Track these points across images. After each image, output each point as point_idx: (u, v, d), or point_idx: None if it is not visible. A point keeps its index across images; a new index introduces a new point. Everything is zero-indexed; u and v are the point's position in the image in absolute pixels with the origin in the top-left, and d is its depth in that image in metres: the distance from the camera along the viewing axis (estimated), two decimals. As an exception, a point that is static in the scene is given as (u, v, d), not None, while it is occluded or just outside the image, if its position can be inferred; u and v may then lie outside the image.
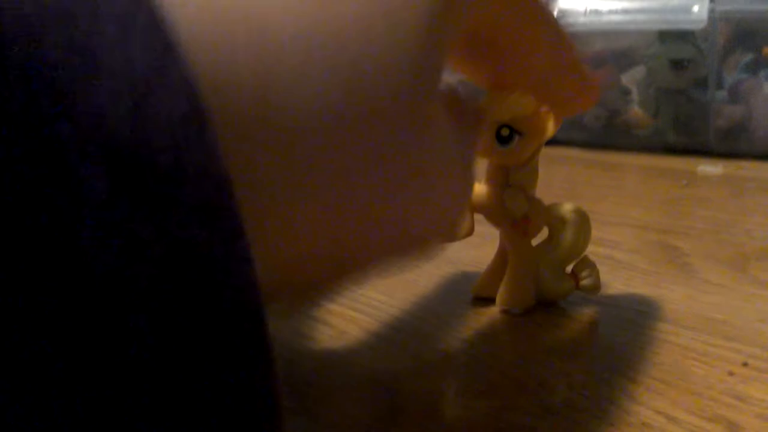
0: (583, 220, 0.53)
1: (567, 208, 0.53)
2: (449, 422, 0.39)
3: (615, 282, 0.58)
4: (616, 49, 1.19)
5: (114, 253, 0.17)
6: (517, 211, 0.50)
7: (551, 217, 0.52)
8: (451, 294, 0.56)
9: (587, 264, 0.53)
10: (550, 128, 0.50)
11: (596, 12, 1.12)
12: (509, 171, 0.50)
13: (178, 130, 0.19)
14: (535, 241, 0.52)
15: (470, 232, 0.52)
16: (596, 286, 0.53)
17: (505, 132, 0.49)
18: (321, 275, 0.29)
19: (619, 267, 0.61)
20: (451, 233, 0.38)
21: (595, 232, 0.66)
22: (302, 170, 0.24)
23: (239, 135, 0.22)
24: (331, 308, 0.54)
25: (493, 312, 0.52)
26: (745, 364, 0.44)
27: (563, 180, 1.00)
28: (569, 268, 0.53)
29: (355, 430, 0.38)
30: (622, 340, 0.48)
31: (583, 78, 0.44)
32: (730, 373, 0.43)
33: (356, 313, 0.53)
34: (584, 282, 0.53)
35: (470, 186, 0.36)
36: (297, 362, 0.46)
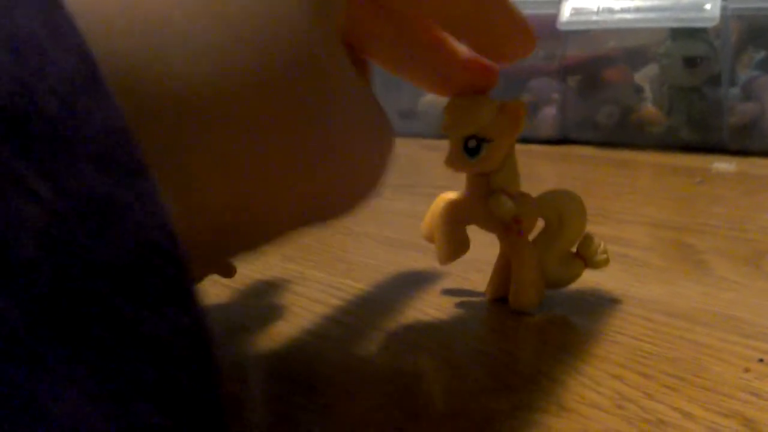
0: (576, 203, 0.52)
1: (558, 195, 0.52)
2: (464, 421, 0.39)
3: (629, 280, 0.58)
4: (629, 47, 1.19)
5: None
6: (505, 215, 0.50)
7: (543, 208, 0.52)
8: (466, 293, 0.56)
9: (591, 241, 0.53)
10: (518, 124, 0.49)
11: (609, 10, 1.12)
12: (488, 176, 0.50)
13: (67, 78, 0.19)
14: (531, 235, 0.52)
15: (466, 249, 0.52)
16: (606, 260, 0.53)
17: (472, 144, 0.49)
18: (232, 233, 0.29)
19: (634, 265, 0.61)
20: (375, 186, 0.37)
21: (609, 230, 0.66)
22: (195, 124, 0.24)
23: (127, 89, 0.22)
24: (345, 308, 0.54)
25: (506, 310, 0.52)
26: (761, 361, 0.44)
27: (576, 179, 1.00)
28: (573, 249, 0.53)
29: (371, 429, 0.38)
30: (636, 337, 0.48)
31: (512, 16, 0.43)
32: (746, 370, 0.43)
33: (370, 312, 0.53)
34: (595, 259, 0.53)
35: (388, 137, 0.36)
36: (312, 361, 0.46)
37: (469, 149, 0.49)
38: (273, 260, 0.64)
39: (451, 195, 0.52)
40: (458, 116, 0.48)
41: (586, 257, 0.53)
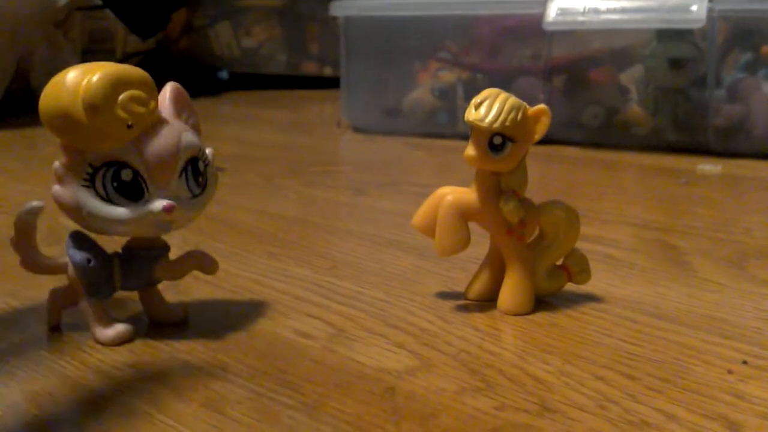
0: (572, 218, 0.53)
1: (557, 207, 0.53)
2: (448, 420, 0.39)
3: (614, 280, 0.58)
4: (615, 47, 1.19)
5: None
6: (513, 216, 0.50)
7: (543, 217, 0.52)
8: (450, 293, 0.56)
9: (577, 256, 0.54)
10: (540, 130, 0.50)
11: (595, 11, 1.12)
12: (500, 177, 0.50)
13: None
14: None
15: (467, 243, 0.52)
16: (588, 277, 0.54)
17: (497, 140, 0.49)
18: None
19: (619, 265, 0.61)
20: None
21: (594, 231, 0.66)
22: None
23: None
24: (330, 306, 0.54)
25: (491, 311, 0.52)
26: (744, 363, 0.44)
27: (562, 179, 1.00)
28: (559, 262, 0.54)
29: (354, 428, 0.38)
30: (621, 339, 0.48)
31: None
32: (730, 372, 0.43)
33: (355, 311, 0.53)
34: (577, 274, 0.54)
35: None
36: (296, 360, 0.46)
37: (494, 146, 0.49)
38: (256, 257, 0.64)
39: (454, 190, 0.52)
40: (492, 111, 0.48)
41: (570, 271, 0.54)
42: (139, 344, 0.48)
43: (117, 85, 0.44)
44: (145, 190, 0.46)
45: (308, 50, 2.07)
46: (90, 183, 0.45)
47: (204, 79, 2.11)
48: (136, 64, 0.49)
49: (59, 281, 0.50)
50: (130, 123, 0.44)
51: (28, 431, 0.38)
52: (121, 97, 0.44)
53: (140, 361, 0.46)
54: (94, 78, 0.43)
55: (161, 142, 0.46)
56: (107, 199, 0.46)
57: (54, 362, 0.46)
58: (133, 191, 0.46)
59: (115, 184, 0.45)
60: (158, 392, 0.42)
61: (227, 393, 0.42)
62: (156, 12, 2.03)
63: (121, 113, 0.44)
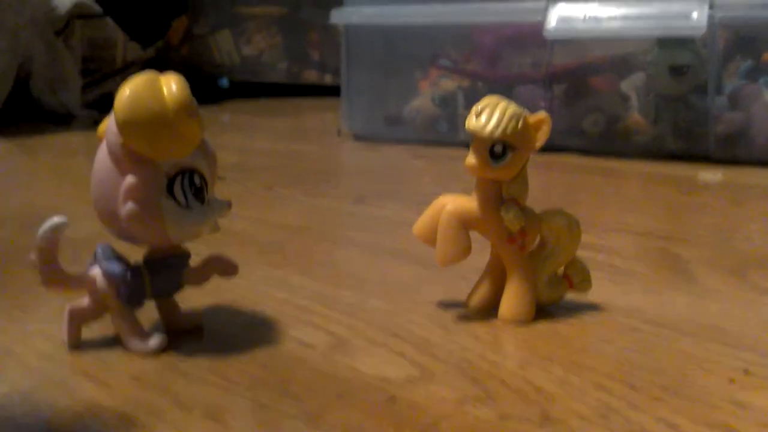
0: (573, 226, 0.53)
1: (558, 215, 0.53)
2: (449, 429, 0.38)
3: (615, 289, 0.58)
4: (616, 55, 1.19)
5: None
6: (514, 224, 0.50)
7: (544, 226, 0.52)
8: (451, 302, 0.56)
9: (578, 265, 0.54)
10: (541, 138, 0.50)
11: (595, 19, 1.12)
12: (501, 185, 0.50)
13: None
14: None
15: (468, 251, 0.52)
16: (589, 286, 0.54)
17: (498, 149, 0.49)
18: None
19: (620, 274, 0.61)
20: None
21: (595, 239, 0.66)
22: None
23: None
24: (331, 315, 0.54)
25: (492, 320, 0.52)
26: (746, 371, 0.44)
27: (562, 187, 1.00)
28: (560, 270, 0.54)
29: (355, 438, 0.38)
30: (622, 347, 0.48)
31: None
32: (732, 381, 0.43)
33: (356, 320, 0.53)
34: (579, 283, 0.54)
35: None
36: (298, 369, 0.46)
37: (495, 154, 0.49)
38: (257, 266, 0.64)
39: (454, 199, 0.52)
40: (493, 120, 0.49)
41: (572, 280, 0.54)
42: (139, 355, 0.48)
43: (189, 90, 0.45)
44: (206, 192, 0.48)
45: (309, 58, 2.07)
46: (170, 193, 0.46)
47: (204, 87, 2.11)
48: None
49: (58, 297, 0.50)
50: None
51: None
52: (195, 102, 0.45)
53: (141, 371, 0.46)
54: (174, 85, 0.44)
55: (210, 146, 0.49)
56: (187, 207, 0.46)
57: (54, 372, 0.46)
58: (202, 195, 0.47)
59: (192, 190, 0.46)
60: (159, 403, 0.42)
61: (228, 403, 0.42)
62: (156, 20, 2.03)
63: (197, 118, 0.45)
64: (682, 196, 0.91)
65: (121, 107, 0.44)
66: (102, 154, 0.46)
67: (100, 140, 0.47)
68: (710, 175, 1.00)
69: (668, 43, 1.09)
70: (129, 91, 0.44)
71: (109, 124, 0.45)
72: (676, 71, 1.09)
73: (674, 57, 1.09)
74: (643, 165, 1.10)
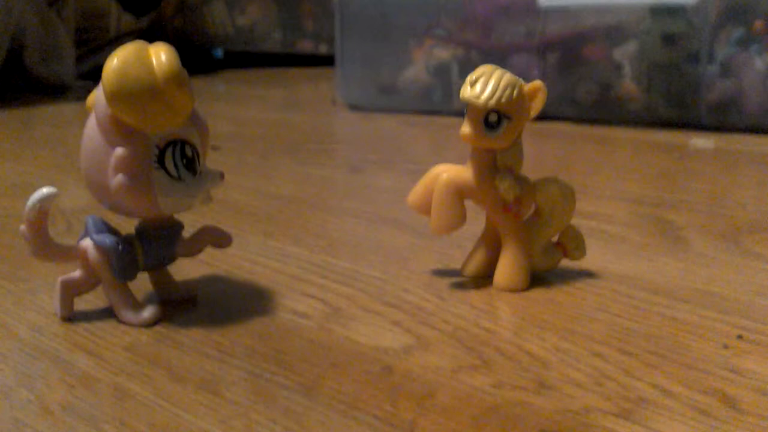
0: (568, 194, 0.53)
1: (552, 184, 0.53)
2: (445, 398, 0.39)
3: (608, 256, 0.58)
4: (608, 24, 1.19)
5: None
6: (509, 193, 0.50)
7: (540, 195, 0.52)
8: (446, 270, 0.56)
9: (573, 232, 0.54)
10: (536, 107, 0.50)
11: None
12: (496, 154, 0.50)
13: None
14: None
15: (464, 221, 0.52)
16: (583, 253, 0.54)
17: (493, 118, 0.49)
18: None
19: (613, 240, 0.61)
20: None
21: (588, 206, 0.66)
22: None
23: None
24: (326, 285, 0.54)
25: (488, 288, 0.52)
26: (739, 337, 0.44)
27: (555, 155, 1.00)
28: (554, 238, 0.54)
29: (351, 407, 0.38)
30: (616, 314, 0.48)
31: None
32: (725, 346, 0.43)
33: (351, 289, 0.53)
34: (573, 251, 0.54)
35: None
36: (292, 340, 0.46)
37: (490, 123, 0.49)
38: (252, 236, 0.64)
39: (449, 168, 0.52)
40: (488, 89, 0.48)
41: (566, 248, 0.54)
42: (132, 326, 0.48)
43: (179, 61, 0.45)
44: (198, 163, 0.47)
45: (303, 28, 2.06)
46: (161, 165, 0.46)
47: (198, 57, 2.10)
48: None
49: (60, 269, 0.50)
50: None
51: (21, 415, 0.38)
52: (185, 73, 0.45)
53: (134, 342, 0.46)
54: (163, 55, 0.44)
55: (203, 117, 0.48)
56: (178, 178, 0.46)
57: (47, 345, 0.46)
58: (194, 166, 0.47)
59: (184, 162, 0.46)
60: (153, 374, 0.42)
61: (223, 374, 0.42)
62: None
63: (187, 89, 0.45)
64: (675, 163, 0.92)
65: (110, 78, 0.43)
66: (91, 126, 0.46)
67: (89, 112, 0.47)
68: (702, 141, 1.01)
69: (661, 11, 1.09)
70: (117, 61, 0.44)
71: (97, 96, 0.45)
72: (669, 40, 1.09)
73: (667, 25, 1.09)
74: (636, 132, 1.10)
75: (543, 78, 1.15)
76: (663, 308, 0.48)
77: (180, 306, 0.51)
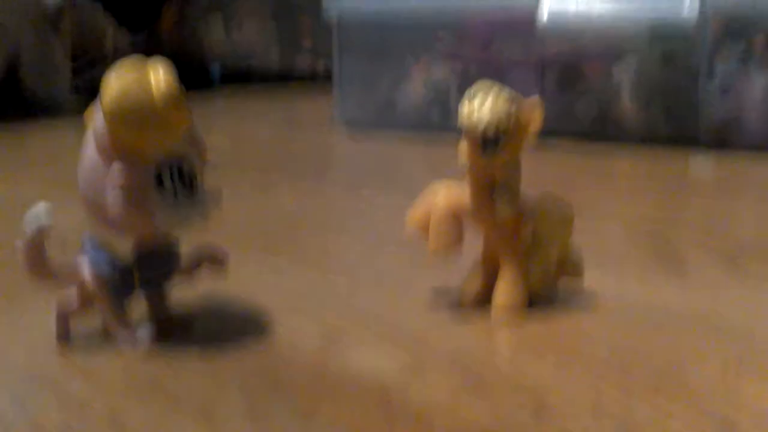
0: (566, 213, 0.52)
1: (551, 202, 0.52)
2: (443, 422, 0.38)
3: (607, 276, 0.57)
4: (608, 42, 1.19)
5: None
6: (507, 211, 0.50)
7: (537, 218, 0.52)
8: (445, 292, 0.55)
9: (571, 252, 0.54)
10: (534, 124, 0.49)
11: (588, 5, 1.12)
12: (494, 172, 0.50)
13: None
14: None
15: (461, 242, 0.51)
16: (581, 272, 0.54)
17: (491, 136, 0.48)
18: None
19: (612, 261, 0.61)
20: None
21: (587, 225, 0.66)
22: None
23: None
24: (323, 308, 0.53)
25: (485, 310, 0.52)
26: (739, 359, 0.44)
27: (554, 173, 1.00)
28: (553, 258, 0.53)
29: None
30: (615, 336, 0.48)
31: None
32: (724, 369, 0.43)
33: (349, 312, 0.53)
34: (571, 271, 0.54)
35: None
36: (289, 365, 0.45)
37: (488, 141, 0.48)
38: (249, 255, 0.64)
39: (447, 187, 0.52)
40: (486, 107, 0.48)
41: (564, 268, 0.53)
42: (128, 347, 0.47)
43: (177, 79, 0.44)
44: (196, 181, 0.47)
45: (301, 44, 2.07)
46: (159, 183, 0.45)
47: (195, 73, 2.10)
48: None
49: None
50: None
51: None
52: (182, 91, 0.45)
53: (129, 366, 0.45)
54: (161, 72, 0.44)
55: (200, 134, 0.48)
56: (176, 196, 0.46)
57: (41, 366, 0.46)
58: (192, 184, 0.47)
59: (182, 180, 0.46)
60: (148, 398, 0.41)
61: (219, 399, 0.41)
62: (146, 5, 2.03)
63: (185, 106, 0.45)
64: (674, 182, 0.91)
65: (107, 97, 0.43)
66: (88, 144, 0.46)
67: (87, 126, 0.46)
68: (702, 160, 1.00)
69: (660, 29, 1.09)
70: (115, 80, 0.43)
71: (95, 114, 0.45)
72: (668, 57, 1.09)
73: (666, 44, 1.09)
74: (635, 150, 1.10)
75: (542, 95, 1.15)
76: (662, 329, 0.48)
77: (176, 327, 0.50)
